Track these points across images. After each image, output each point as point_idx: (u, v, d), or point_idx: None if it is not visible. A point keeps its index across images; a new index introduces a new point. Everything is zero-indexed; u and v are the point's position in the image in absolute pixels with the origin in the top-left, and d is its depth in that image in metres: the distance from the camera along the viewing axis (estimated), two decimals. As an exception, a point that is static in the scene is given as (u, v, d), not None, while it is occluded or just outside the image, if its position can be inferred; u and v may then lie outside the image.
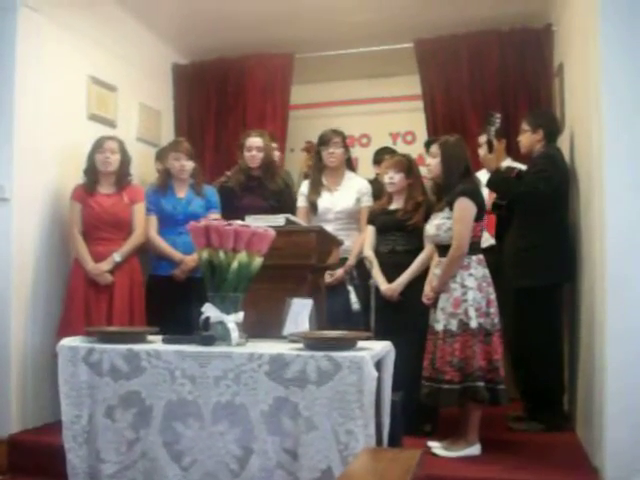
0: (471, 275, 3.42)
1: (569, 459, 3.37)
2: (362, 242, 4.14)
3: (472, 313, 3.37)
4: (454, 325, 3.38)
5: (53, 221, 4.22)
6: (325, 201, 4.31)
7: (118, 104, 4.95)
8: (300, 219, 3.94)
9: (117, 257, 4.06)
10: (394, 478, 1.77)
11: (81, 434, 2.75)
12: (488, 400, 3.35)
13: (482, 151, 4.03)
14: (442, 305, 3.45)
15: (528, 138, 4.09)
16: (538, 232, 3.89)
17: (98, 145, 4.12)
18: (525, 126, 4.11)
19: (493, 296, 3.45)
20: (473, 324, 3.36)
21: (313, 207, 4.32)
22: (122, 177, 4.19)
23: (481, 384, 3.32)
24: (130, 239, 4.15)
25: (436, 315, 3.48)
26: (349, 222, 4.31)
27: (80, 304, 3.99)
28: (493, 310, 3.43)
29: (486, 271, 3.47)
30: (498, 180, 3.92)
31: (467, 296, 3.39)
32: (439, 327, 3.43)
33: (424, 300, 3.60)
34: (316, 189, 4.36)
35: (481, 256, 3.50)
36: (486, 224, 4.40)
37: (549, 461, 3.33)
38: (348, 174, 4.44)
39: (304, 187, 4.45)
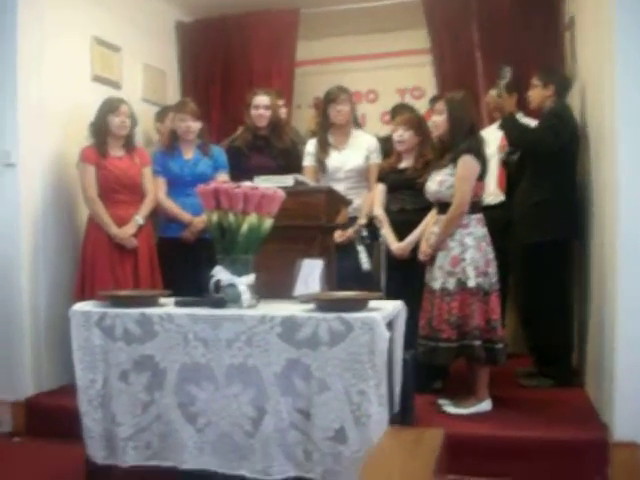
0: (470, 234, 3.40)
1: (579, 415, 3.39)
2: (372, 200, 4.12)
3: (470, 272, 3.36)
4: (452, 284, 3.37)
5: (60, 184, 4.20)
6: (334, 160, 4.27)
7: (122, 64, 4.89)
8: (307, 178, 3.91)
9: (140, 220, 4.06)
10: (419, 464, 1.77)
11: (96, 398, 2.78)
12: (485, 359, 3.36)
13: (492, 99, 3.96)
14: (440, 263, 3.43)
15: (538, 93, 4.05)
16: (547, 187, 3.88)
17: (113, 107, 4.05)
18: (536, 81, 4.06)
19: (492, 255, 3.44)
20: (471, 283, 3.35)
21: (322, 166, 4.28)
22: (130, 140, 4.16)
23: (478, 343, 3.33)
24: (145, 201, 4.14)
25: (433, 273, 3.47)
26: (359, 180, 4.27)
27: (105, 269, 3.96)
28: (492, 270, 3.41)
29: (485, 231, 3.45)
30: (511, 123, 3.88)
31: (465, 255, 3.37)
32: (436, 285, 3.42)
33: (420, 257, 3.58)
34: (324, 148, 4.31)
35: (481, 215, 3.47)
36: (498, 179, 4.40)
37: (559, 417, 3.35)
38: (355, 132, 4.38)
39: (310, 146, 4.39)
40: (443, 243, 3.43)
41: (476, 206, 3.47)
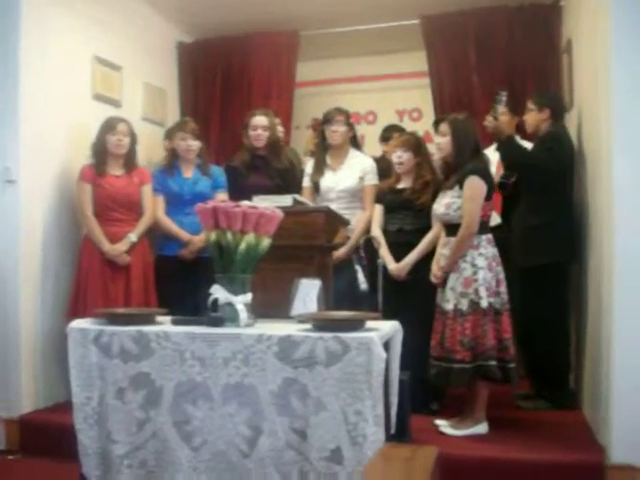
0: (481, 255, 3.41)
1: (576, 437, 3.38)
2: (365, 221, 4.13)
3: (483, 292, 3.36)
4: (464, 305, 3.38)
5: (60, 202, 4.22)
6: (327, 180, 4.28)
7: (123, 84, 4.92)
8: (306, 199, 3.93)
9: (133, 237, 4.09)
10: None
11: (92, 415, 2.77)
12: (500, 379, 3.37)
13: (490, 123, 3.97)
14: (452, 285, 3.44)
15: (534, 117, 4.07)
16: (544, 211, 3.89)
17: (110, 127, 4.10)
18: (531, 105, 4.09)
19: (502, 275, 3.45)
20: (484, 303, 3.36)
21: (316, 187, 4.31)
22: (130, 159, 4.19)
23: (493, 363, 3.33)
24: (142, 220, 4.17)
25: (445, 294, 3.48)
26: (351, 201, 4.26)
27: (97, 285, 4.00)
28: (503, 289, 3.43)
29: (495, 250, 3.47)
30: (508, 145, 3.88)
31: (478, 275, 3.38)
32: (449, 307, 3.43)
33: (432, 280, 3.59)
34: (319, 169, 4.33)
35: (490, 235, 3.49)
36: (493, 203, 4.41)
37: (556, 439, 3.34)
38: (353, 152, 4.38)
39: (309, 167, 4.44)
40: (455, 265, 3.44)
41: (485, 226, 3.49)
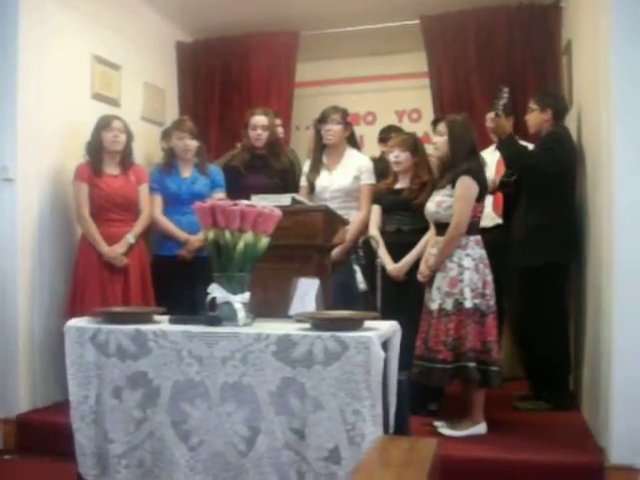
0: (468, 255, 3.40)
1: (575, 439, 3.37)
2: (360, 221, 4.11)
3: (468, 293, 3.36)
4: (449, 304, 3.37)
5: (57, 201, 4.22)
6: (323, 180, 4.26)
7: (122, 83, 4.92)
8: (303, 198, 3.90)
9: (131, 239, 4.07)
10: (412, 472, 1.74)
11: (89, 414, 2.75)
12: (479, 381, 3.35)
13: (491, 123, 3.96)
14: (438, 284, 3.43)
15: (536, 117, 4.06)
16: (545, 211, 3.88)
17: (105, 123, 4.08)
18: (533, 105, 4.08)
19: (490, 277, 3.44)
20: (468, 304, 3.35)
21: (311, 186, 4.29)
22: (126, 157, 4.17)
23: (472, 364, 3.32)
24: (139, 220, 4.15)
25: (431, 294, 3.47)
26: (346, 201, 4.22)
27: (95, 286, 3.97)
28: (489, 292, 3.41)
29: (483, 252, 3.45)
30: (509, 144, 3.87)
31: (463, 276, 3.37)
32: (434, 306, 3.42)
33: (419, 278, 3.58)
34: (315, 168, 4.31)
35: (479, 237, 3.48)
36: (494, 203, 4.41)
37: (555, 441, 3.33)
38: (349, 151, 4.34)
39: (306, 166, 4.42)
40: (442, 264, 3.43)
41: (474, 227, 3.47)
